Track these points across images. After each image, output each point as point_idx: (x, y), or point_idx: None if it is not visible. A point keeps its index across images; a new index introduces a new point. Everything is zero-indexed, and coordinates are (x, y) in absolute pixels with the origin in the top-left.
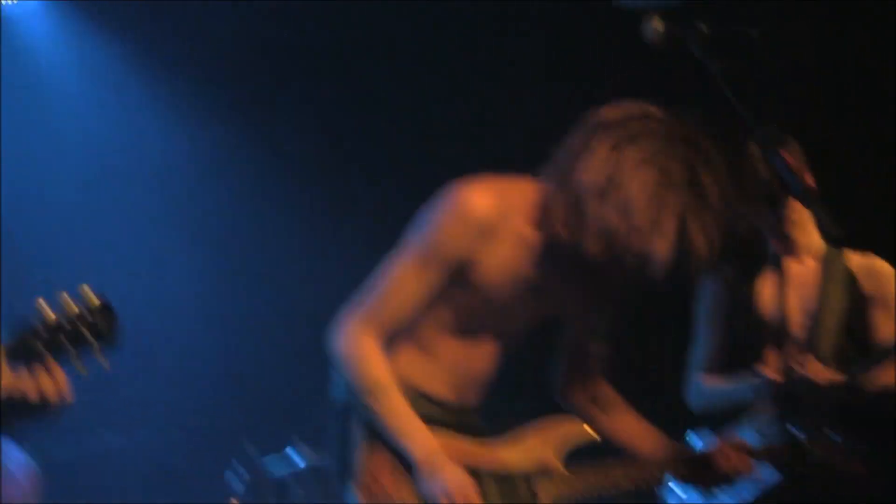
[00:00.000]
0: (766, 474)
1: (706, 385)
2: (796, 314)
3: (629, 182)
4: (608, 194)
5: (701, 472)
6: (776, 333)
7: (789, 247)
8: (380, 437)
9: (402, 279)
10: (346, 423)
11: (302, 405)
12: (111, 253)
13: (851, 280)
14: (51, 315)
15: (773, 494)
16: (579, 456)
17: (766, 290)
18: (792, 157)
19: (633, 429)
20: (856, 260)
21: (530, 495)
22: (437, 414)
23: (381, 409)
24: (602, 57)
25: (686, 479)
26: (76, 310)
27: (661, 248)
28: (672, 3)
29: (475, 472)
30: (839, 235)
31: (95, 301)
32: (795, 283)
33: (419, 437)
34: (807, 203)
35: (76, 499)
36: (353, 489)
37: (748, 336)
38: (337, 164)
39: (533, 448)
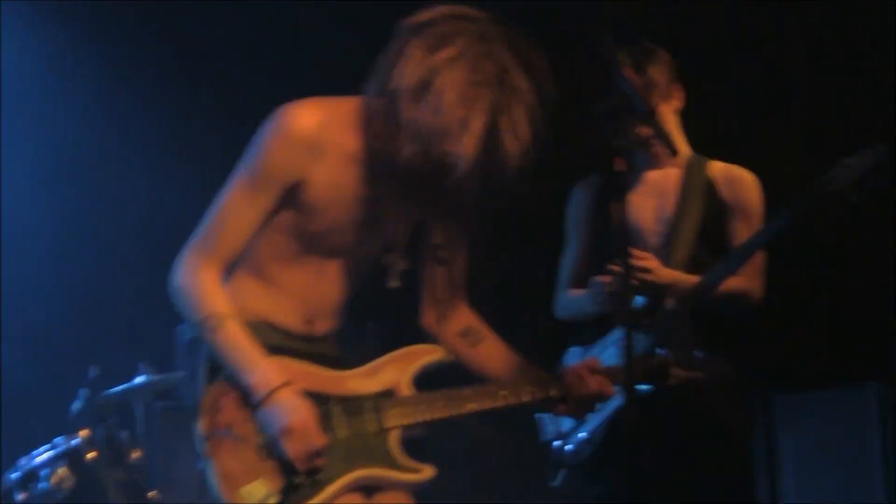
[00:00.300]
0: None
1: (568, 295)
2: (652, 222)
3: (440, 81)
4: (420, 95)
5: (558, 398)
6: (631, 241)
7: (647, 158)
8: (222, 370)
9: (235, 206)
10: (195, 357)
11: (154, 335)
12: None
13: (711, 188)
14: None
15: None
16: (444, 382)
17: (632, 200)
18: (638, 72)
19: (497, 358)
20: (718, 168)
21: (377, 419)
22: (285, 342)
23: (219, 342)
24: None
25: (546, 405)
26: None
27: (468, 145)
28: None
29: (322, 398)
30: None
31: None
32: (654, 191)
33: (259, 369)
34: (648, 122)
35: None
36: (197, 423)
37: (612, 247)
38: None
39: (384, 373)
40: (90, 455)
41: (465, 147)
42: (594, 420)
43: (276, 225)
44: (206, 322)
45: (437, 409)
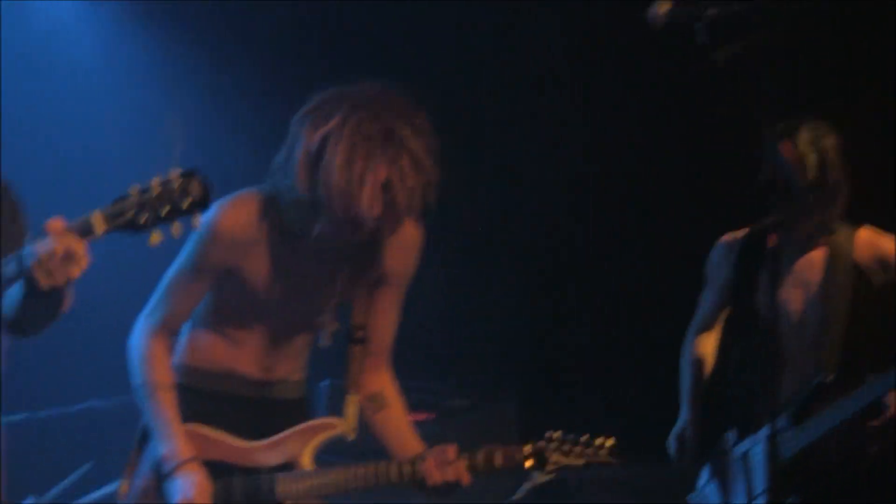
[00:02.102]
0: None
1: (694, 351)
2: (801, 303)
3: (330, 149)
4: (313, 167)
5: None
6: (778, 323)
7: (791, 236)
8: (146, 436)
9: (178, 286)
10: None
11: None
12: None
13: (858, 272)
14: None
15: None
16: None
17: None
18: (793, 147)
19: (395, 431)
20: (864, 241)
21: (272, 492)
22: (237, 388)
23: (148, 408)
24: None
25: (420, 487)
26: (161, 178)
27: (367, 198)
28: None
29: (227, 468)
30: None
31: (178, 171)
32: (799, 279)
33: (172, 441)
34: (799, 195)
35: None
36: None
37: (755, 326)
38: None
39: (287, 446)
40: None
41: (363, 203)
42: None
43: (224, 295)
44: (142, 388)
45: (330, 481)
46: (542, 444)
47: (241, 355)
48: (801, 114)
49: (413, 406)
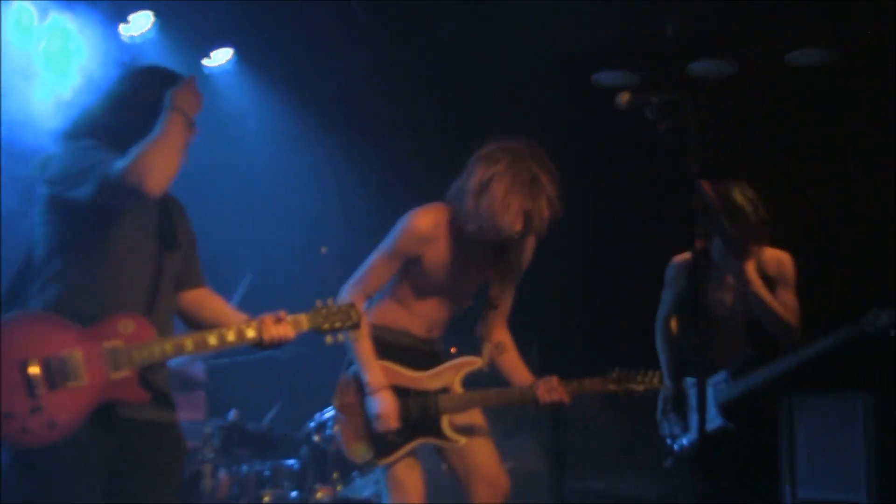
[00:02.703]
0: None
1: (661, 338)
2: (728, 304)
3: (493, 185)
4: (482, 194)
5: (532, 402)
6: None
7: (726, 255)
8: (351, 363)
9: (378, 265)
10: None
11: None
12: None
13: (763, 270)
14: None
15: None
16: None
17: (711, 279)
18: (728, 198)
19: (513, 368)
20: (768, 253)
21: (435, 407)
22: (408, 341)
23: (355, 347)
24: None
25: (535, 405)
26: (337, 303)
27: (511, 222)
28: (633, 83)
29: (405, 391)
30: (744, 247)
31: (347, 301)
32: (728, 283)
33: (373, 372)
34: (716, 217)
35: None
36: (333, 397)
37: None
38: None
39: (444, 376)
40: None
41: (510, 223)
42: (693, 433)
43: (406, 276)
44: (353, 336)
45: (474, 400)
46: (619, 373)
47: (414, 320)
48: (722, 168)
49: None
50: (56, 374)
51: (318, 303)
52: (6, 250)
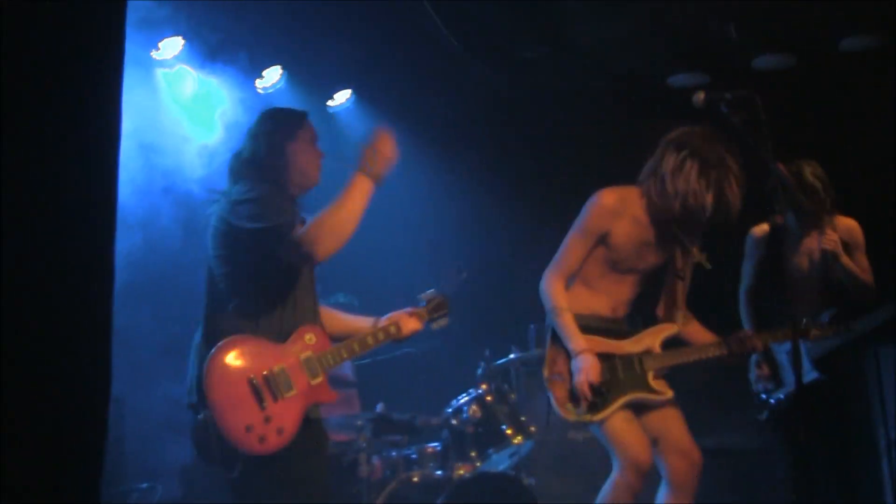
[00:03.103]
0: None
1: (745, 302)
2: (808, 266)
3: (688, 166)
4: (677, 175)
5: (731, 353)
6: (795, 280)
7: (799, 226)
8: (558, 338)
9: (573, 245)
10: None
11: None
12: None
13: (841, 242)
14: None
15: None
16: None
17: (787, 248)
18: (801, 176)
19: (700, 332)
20: (841, 221)
21: (640, 365)
22: (598, 323)
23: (559, 322)
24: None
25: (724, 356)
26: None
27: (709, 200)
28: (706, 82)
29: (609, 356)
30: (817, 218)
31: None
32: (807, 245)
33: (576, 339)
34: (790, 193)
35: None
36: (543, 367)
37: (777, 279)
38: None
39: (644, 341)
40: (489, 398)
41: (707, 201)
42: (788, 386)
43: (596, 256)
44: (555, 309)
45: (675, 358)
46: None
47: (601, 300)
48: (791, 152)
49: None
50: (276, 387)
51: (424, 296)
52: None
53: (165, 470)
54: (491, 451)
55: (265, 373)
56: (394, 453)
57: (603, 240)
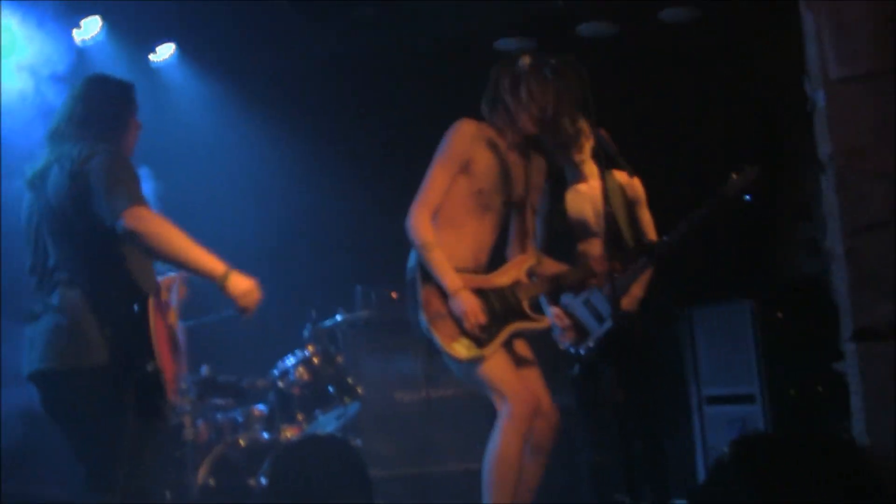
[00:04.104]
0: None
1: None
2: (595, 217)
3: (525, 78)
4: (515, 90)
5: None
6: (582, 230)
7: (580, 174)
8: (430, 278)
9: (436, 174)
10: (414, 275)
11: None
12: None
13: (622, 190)
14: None
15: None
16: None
17: (570, 200)
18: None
19: (555, 266)
20: (619, 176)
21: (514, 297)
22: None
23: (430, 259)
24: None
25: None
26: None
27: (552, 101)
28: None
29: (482, 291)
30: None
31: None
32: (589, 197)
33: (450, 277)
34: (608, 153)
35: None
36: (420, 311)
37: (562, 230)
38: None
39: (510, 273)
40: (315, 360)
41: (551, 101)
42: (595, 335)
43: (459, 189)
44: (424, 245)
45: (543, 284)
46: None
47: (463, 246)
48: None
49: None
50: (175, 339)
51: None
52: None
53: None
54: (318, 412)
55: (169, 329)
56: (219, 416)
57: (465, 168)
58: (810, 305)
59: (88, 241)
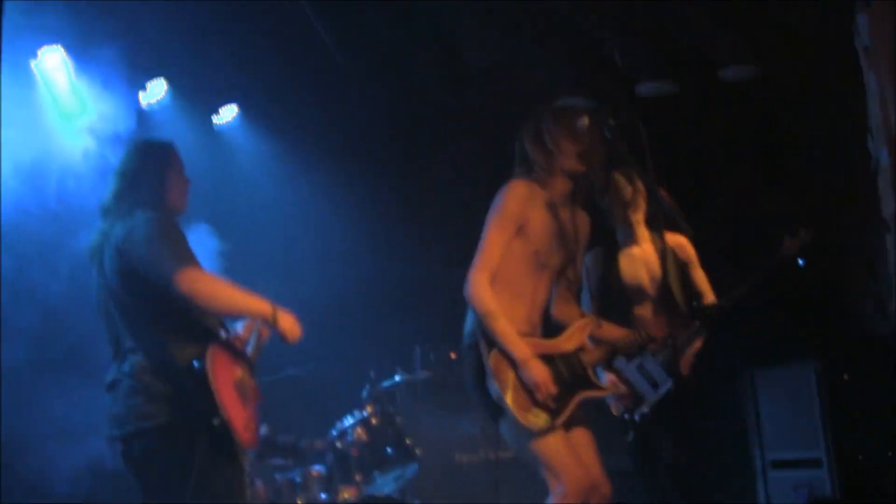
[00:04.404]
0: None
1: None
2: (650, 282)
3: (545, 127)
4: (538, 140)
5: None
6: (636, 295)
7: (633, 236)
8: (496, 345)
9: (492, 236)
10: (475, 339)
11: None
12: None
13: (674, 253)
14: None
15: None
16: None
17: (624, 264)
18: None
19: (611, 328)
20: (669, 238)
21: (580, 364)
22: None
23: (495, 328)
24: None
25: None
26: None
27: (573, 154)
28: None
29: (549, 358)
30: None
31: None
32: (643, 261)
33: (519, 347)
34: (667, 212)
35: None
36: (490, 379)
37: (616, 295)
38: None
39: (574, 338)
40: (374, 420)
41: (573, 155)
42: (649, 401)
43: (514, 252)
44: (488, 315)
45: (606, 352)
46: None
47: (520, 310)
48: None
49: None
50: (243, 391)
51: None
52: None
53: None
54: (376, 474)
55: (239, 375)
56: (278, 476)
57: (521, 230)
58: (878, 366)
59: (142, 309)
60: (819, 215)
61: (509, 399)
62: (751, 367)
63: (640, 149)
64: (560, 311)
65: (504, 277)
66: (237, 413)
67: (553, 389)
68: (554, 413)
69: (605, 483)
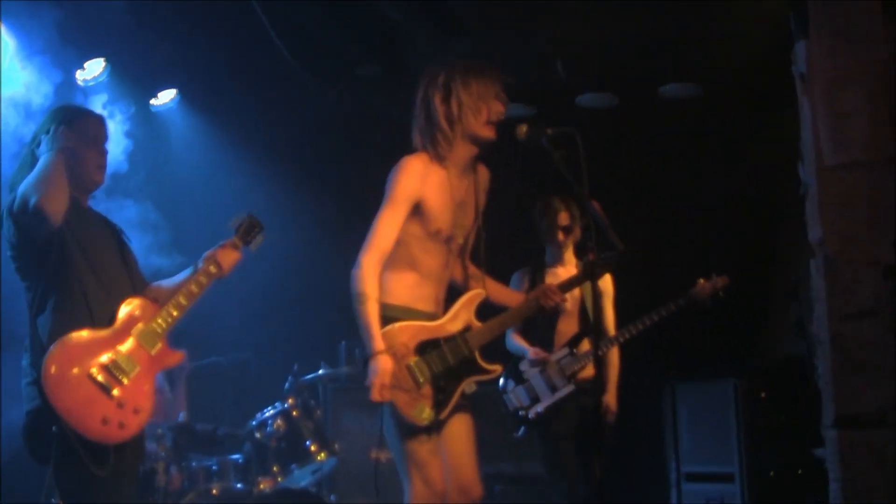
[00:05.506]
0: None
1: (512, 339)
2: (571, 300)
3: (455, 92)
4: (450, 106)
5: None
6: (559, 312)
7: (560, 258)
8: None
9: (384, 218)
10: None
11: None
12: None
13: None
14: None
15: None
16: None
17: (549, 281)
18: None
19: (500, 291)
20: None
21: (467, 347)
22: (423, 317)
23: (361, 310)
24: None
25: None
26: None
27: (486, 115)
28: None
29: (434, 342)
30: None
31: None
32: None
33: (375, 335)
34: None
35: None
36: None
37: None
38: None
39: (461, 316)
40: (295, 413)
41: (486, 116)
42: (545, 401)
43: (413, 232)
44: (359, 295)
45: (496, 328)
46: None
47: (423, 289)
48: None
49: None
50: (118, 372)
51: (232, 224)
52: None
53: None
54: (293, 466)
55: (102, 362)
56: (194, 464)
57: (417, 209)
58: (795, 387)
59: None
60: (748, 236)
61: (395, 394)
62: (672, 381)
63: (576, 159)
64: (458, 272)
65: (408, 259)
66: (89, 411)
67: (386, 396)
68: (440, 405)
69: (475, 485)
